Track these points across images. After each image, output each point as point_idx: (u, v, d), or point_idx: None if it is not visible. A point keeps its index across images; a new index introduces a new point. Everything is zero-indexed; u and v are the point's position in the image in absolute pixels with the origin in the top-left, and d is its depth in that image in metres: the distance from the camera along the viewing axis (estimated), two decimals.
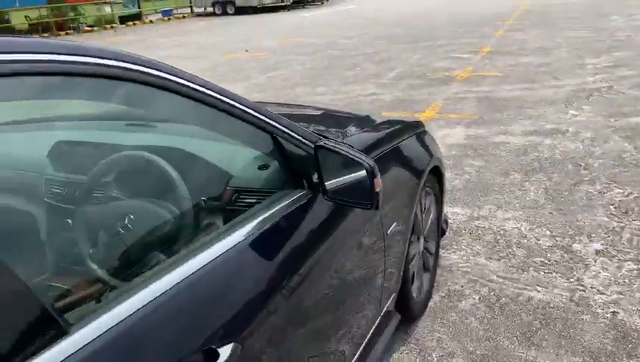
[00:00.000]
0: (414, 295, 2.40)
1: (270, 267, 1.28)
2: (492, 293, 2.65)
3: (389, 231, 1.93)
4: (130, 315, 0.89)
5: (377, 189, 1.35)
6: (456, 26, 13.97)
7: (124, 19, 23.96)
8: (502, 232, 3.25)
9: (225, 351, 0.98)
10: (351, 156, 1.36)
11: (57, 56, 0.91)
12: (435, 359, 2.24)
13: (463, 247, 3.11)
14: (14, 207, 1.80)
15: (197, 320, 1.02)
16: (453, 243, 3.17)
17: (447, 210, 3.52)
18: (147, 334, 0.91)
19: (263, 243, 1.28)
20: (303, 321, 1.39)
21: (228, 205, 1.56)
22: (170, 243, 1.38)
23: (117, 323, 0.86)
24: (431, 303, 2.60)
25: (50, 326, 0.78)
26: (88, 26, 22.36)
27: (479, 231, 3.29)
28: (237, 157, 1.64)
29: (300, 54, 11.36)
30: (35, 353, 0.74)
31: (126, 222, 1.47)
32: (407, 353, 2.29)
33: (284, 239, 1.35)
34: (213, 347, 0.98)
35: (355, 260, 1.71)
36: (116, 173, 1.59)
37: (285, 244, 1.35)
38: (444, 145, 4.86)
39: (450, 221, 3.35)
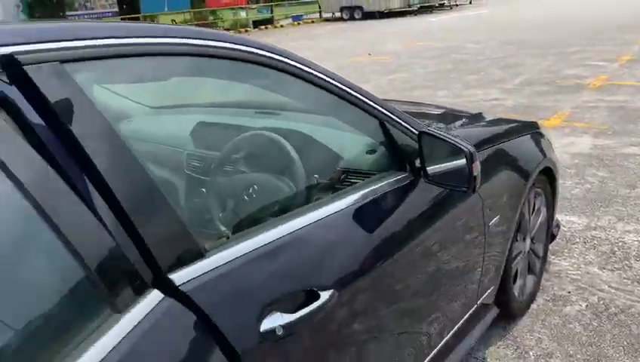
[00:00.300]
0: (516, 293, 2.42)
1: (369, 235, 1.43)
2: (601, 302, 2.57)
3: (490, 224, 1.99)
4: (249, 252, 1.10)
5: (475, 173, 1.45)
6: (593, 32, 13.09)
7: (257, 24, 25.40)
8: (620, 244, 3.11)
9: (324, 295, 1.15)
10: (451, 141, 1.48)
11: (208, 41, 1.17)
12: (533, 357, 2.25)
13: (575, 255, 3.03)
14: (161, 176, 2.14)
15: (303, 266, 1.21)
16: (565, 250, 3.09)
17: (563, 217, 3.43)
18: (262, 268, 1.11)
19: (365, 213, 1.43)
20: (395, 292, 1.52)
21: (337, 184, 1.74)
22: (286, 210, 1.58)
23: (238, 256, 1.07)
24: (534, 305, 2.59)
25: (194, 250, 1.01)
26: (225, 29, 24.03)
27: (595, 241, 3.17)
28: (348, 141, 1.82)
29: (423, 58, 11.36)
30: (189, 262, 0.99)
31: (250, 191, 1.71)
32: (504, 348, 2.32)
33: (385, 213, 1.50)
34: (315, 289, 1.15)
35: (453, 246, 1.80)
36: (245, 151, 1.84)
37: (385, 218, 1.49)
38: (567, 153, 4.69)
39: (564, 228, 3.26)
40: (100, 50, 0.99)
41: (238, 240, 1.13)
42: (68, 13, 21.62)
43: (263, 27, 25.08)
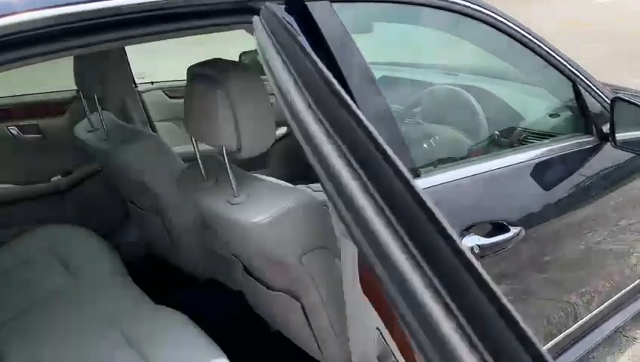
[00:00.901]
0: None
1: (550, 190, 1.51)
2: None
3: None
4: (452, 181, 1.27)
5: None
6: None
7: None
8: None
9: (513, 230, 1.29)
10: None
11: None
12: None
13: None
14: None
15: (494, 202, 1.34)
16: None
17: None
18: (462, 195, 1.27)
19: (549, 169, 1.52)
20: (563, 249, 1.58)
21: (516, 143, 1.82)
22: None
23: (444, 183, 1.24)
24: None
25: (413, 168, 1.19)
26: None
27: None
28: (531, 102, 1.88)
29: (585, 41, 10.54)
30: None
31: (430, 140, 1.85)
32: None
33: (567, 172, 1.57)
34: (505, 223, 1.29)
35: (628, 216, 1.81)
36: (431, 104, 1.98)
37: (567, 177, 1.57)
38: None
39: None
40: None
41: (442, 169, 1.29)
42: None
43: None
